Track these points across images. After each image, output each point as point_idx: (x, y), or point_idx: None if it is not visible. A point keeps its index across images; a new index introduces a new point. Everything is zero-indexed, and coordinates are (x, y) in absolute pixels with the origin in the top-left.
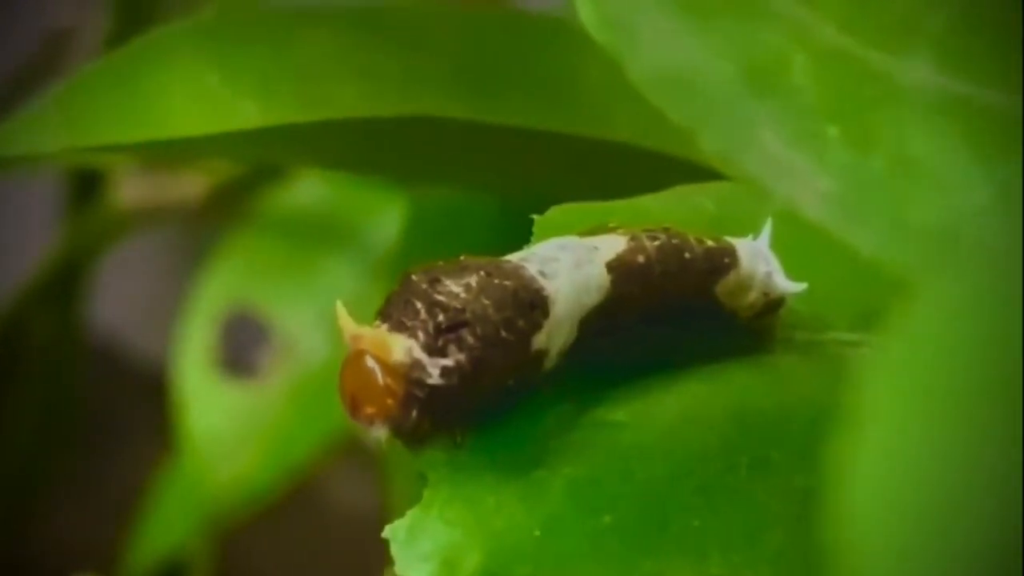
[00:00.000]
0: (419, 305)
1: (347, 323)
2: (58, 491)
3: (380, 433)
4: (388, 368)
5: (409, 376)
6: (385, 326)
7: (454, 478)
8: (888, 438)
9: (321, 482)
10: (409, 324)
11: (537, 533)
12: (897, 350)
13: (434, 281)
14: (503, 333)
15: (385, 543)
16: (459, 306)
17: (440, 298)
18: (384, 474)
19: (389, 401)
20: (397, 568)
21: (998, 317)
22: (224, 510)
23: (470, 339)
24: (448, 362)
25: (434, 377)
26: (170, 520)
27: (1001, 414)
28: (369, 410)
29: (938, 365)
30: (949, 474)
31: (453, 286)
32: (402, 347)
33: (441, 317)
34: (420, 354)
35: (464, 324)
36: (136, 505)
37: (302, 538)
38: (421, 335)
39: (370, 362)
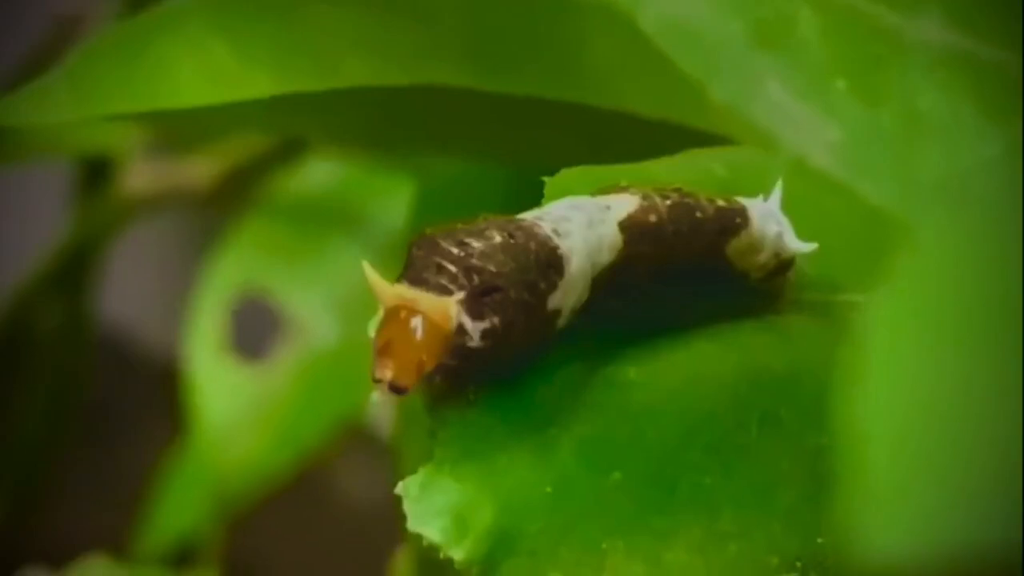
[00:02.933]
0: (453, 269)
1: (383, 285)
2: (68, 478)
3: (399, 391)
4: (439, 332)
5: (454, 340)
6: (418, 289)
7: (465, 436)
8: (885, 373)
9: (330, 468)
10: (451, 288)
11: (548, 490)
12: (895, 292)
13: (462, 244)
14: (526, 295)
15: (394, 527)
16: (494, 269)
17: (475, 262)
18: (394, 461)
19: (428, 361)
20: (409, 524)
21: (994, 261)
22: (234, 494)
23: (503, 302)
24: (486, 325)
25: (475, 340)
26: (180, 505)
27: (989, 348)
28: (404, 372)
29: (932, 305)
30: (947, 399)
31: (482, 249)
32: (456, 311)
33: (477, 280)
34: (464, 318)
35: (497, 288)
36: (146, 490)
37: (311, 523)
38: (465, 299)
39: (414, 322)
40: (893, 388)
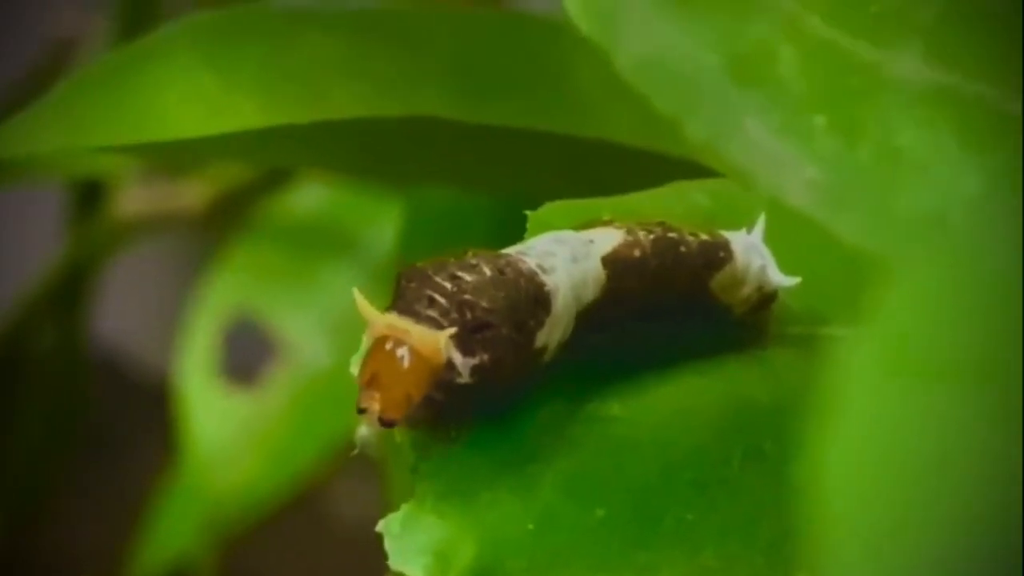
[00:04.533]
0: (445, 303)
1: (373, 313)
2: (63, 499)
3: (388, 424)
4: (427, 366)
5: (443, 375)
6: (409, 320)
7: (448, 472)
8: (859, 419)
9: (323, 490)
10: (442, 321)
11: (531, 526)
12: (871, 333)
13: (454, 278)
14: (515, 332)
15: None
16: (486, 305)
17: (467, 297)
18: (386, 483)
19: (415, 394)
20: (391, 561)
21: (973, 301)
22: (227, 518)
23: (494, 339)
24: (476, 361)
25: (464, 376)
26: (173, 528)
27: (972, 395)
28: (392, 405)
29: (910, 347)
30: (919, 455)
31: (474, 284)
32: (446, 346)
33: (469, 316)
34: (454, 353)
35: (489, 324)
36: (140, 513)
37: (304, 546)
38: (457, 334)
39: (400, 353)
40: (865, 435)
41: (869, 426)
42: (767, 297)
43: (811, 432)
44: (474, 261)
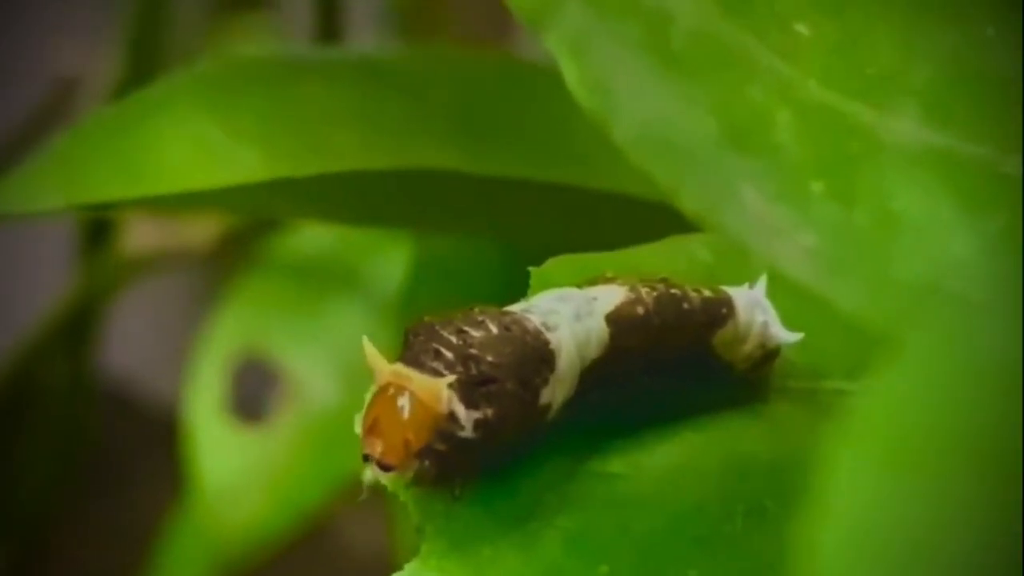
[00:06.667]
0: (451, 356)
1: (380, 362)
2: (70, 534)
3: (392, 474)
4: (428, 413)
5: (443, 426)
6: (414, 371)
7: (451, 530)
8: (857, 501)
9: (332, 526)
10: (445, 374)
11: None
12: (873, 406)
13: (461, 332)
14: (520, 388)
15: None
16: (491, 359)
17: (473, 351)
18: (394, 519)
19: (415, 441)
20: None
21: (978, 373)
22: (235, 555)
23: (499, 394)
24: (479, 415)
25: (467, 430)
26: (181, 564)
27: (980, 478)
28: (391, 450)
29: (913, 424)
30: (918, 542)
31: (481, 339)
32: (448, 397)
33: (475, 370)
34: (457, 405)
35: (494, 379)
36: (148, 549)
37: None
38: (460, 385)
39: (402, 402)
40: (858, 526)
41: (861, 518)
42: (769, 353)
43: (804, 521)
44: (480, 317)
